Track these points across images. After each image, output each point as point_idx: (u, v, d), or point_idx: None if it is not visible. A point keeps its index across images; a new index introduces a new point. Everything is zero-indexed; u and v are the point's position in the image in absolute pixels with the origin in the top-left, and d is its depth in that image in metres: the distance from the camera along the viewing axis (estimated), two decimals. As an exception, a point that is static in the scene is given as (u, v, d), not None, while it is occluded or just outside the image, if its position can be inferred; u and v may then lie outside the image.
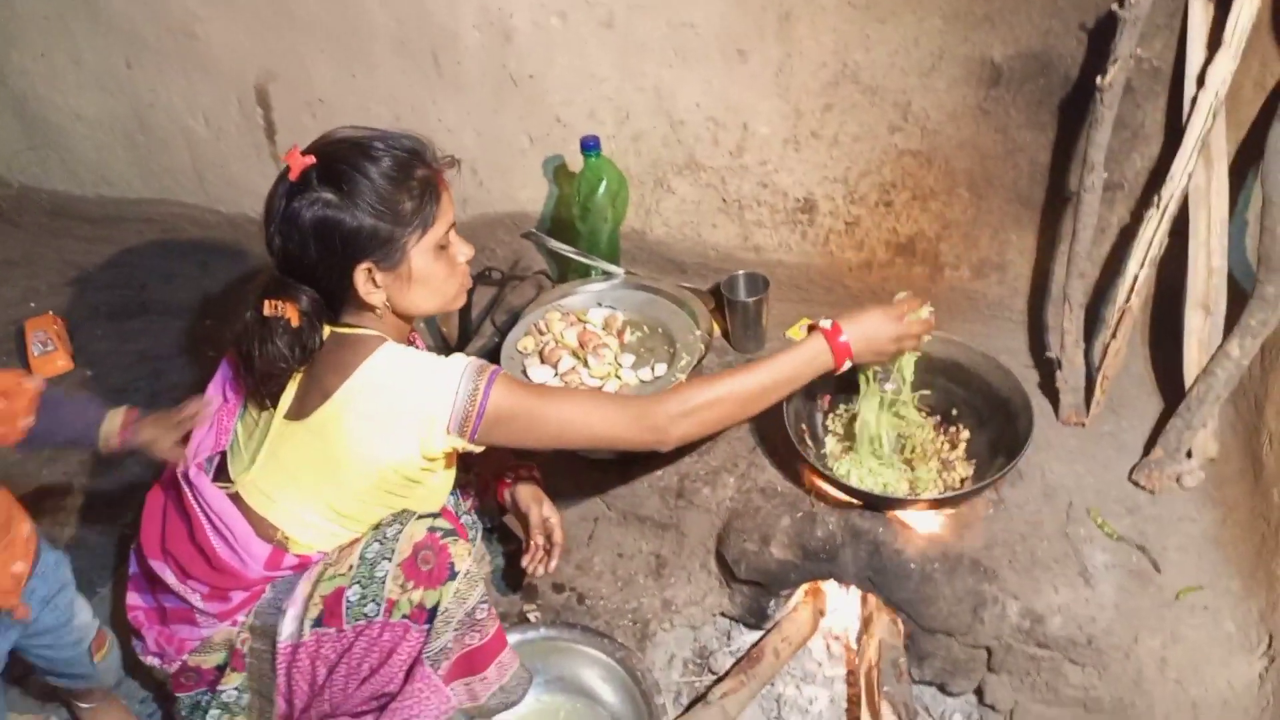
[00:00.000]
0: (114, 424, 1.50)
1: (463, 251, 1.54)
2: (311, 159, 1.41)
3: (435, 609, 1.46)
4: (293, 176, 1.41)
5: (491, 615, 1.53)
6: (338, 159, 1.42)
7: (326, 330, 1.49)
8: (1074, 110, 1.97)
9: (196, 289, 2.83)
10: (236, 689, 1.54)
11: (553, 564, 1.73)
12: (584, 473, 2.09)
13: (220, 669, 1.55)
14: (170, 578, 1.56)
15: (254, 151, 2.70)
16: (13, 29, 2.78)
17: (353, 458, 1.45)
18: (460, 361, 1.46)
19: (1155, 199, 1.83)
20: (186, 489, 1.54)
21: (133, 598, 1.63)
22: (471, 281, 1.60)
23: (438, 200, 1.47)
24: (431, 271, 1.49)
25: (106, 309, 2.77)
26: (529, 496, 1.77)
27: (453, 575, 1.46)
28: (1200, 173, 1.83)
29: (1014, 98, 2.01)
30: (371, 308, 1.48)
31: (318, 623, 1.47)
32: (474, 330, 2.36)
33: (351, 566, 1.47)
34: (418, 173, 1.45)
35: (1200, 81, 1.78)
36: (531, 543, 1.74)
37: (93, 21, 2.67)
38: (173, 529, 1.58)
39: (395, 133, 1.48)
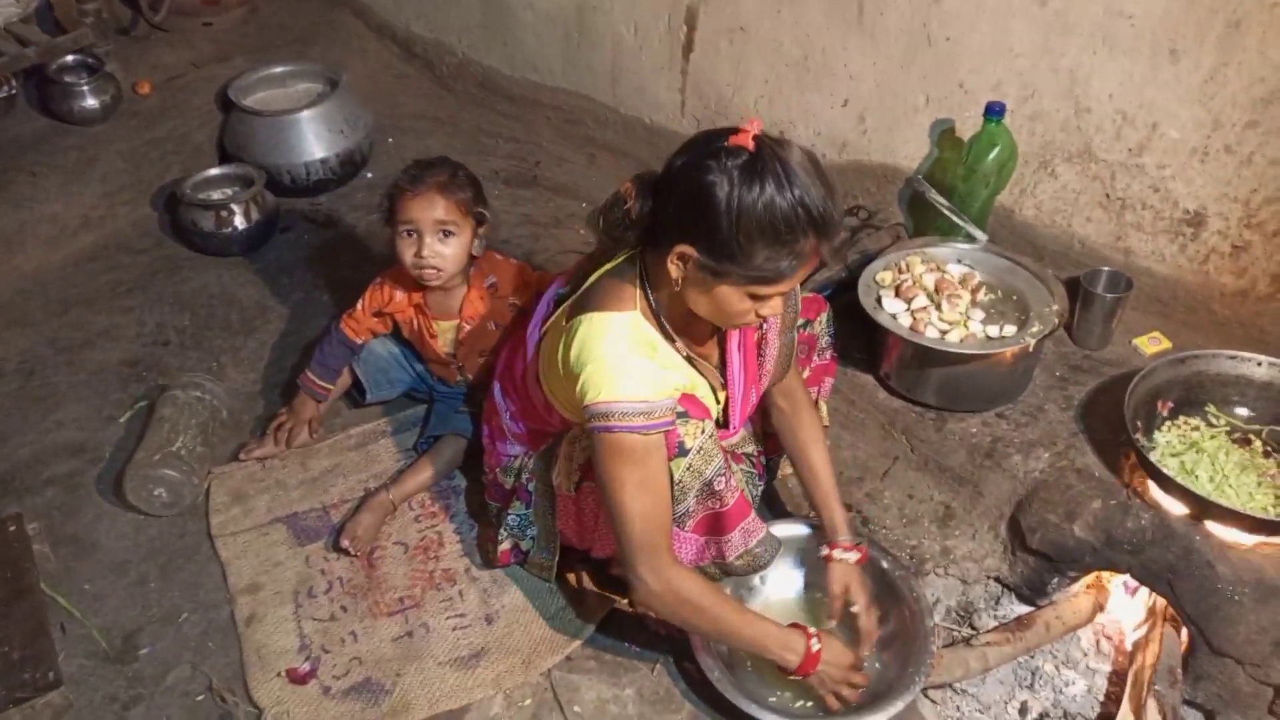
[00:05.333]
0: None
1: (771, 308, 1.51)
2: (751, 148, 1.40)
3: (672, 479, 1.56)
4: (730, 141, 1.40)
5: (730, 487, 1.60)
6: (762, 169, 1.38)
7: (627, 255, 1.59)
8: None
9: (582, 176, 3.20)
10: (519, 516, 1.83)
11: (863, 651, 1.75)
12: (897, 412, 2.20)
13: (511, 492, 1.83)
14: (498, 388, 1.87)
15: (667, 65, 2.97)
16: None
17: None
18: (609, 391, 1.49)
19: None
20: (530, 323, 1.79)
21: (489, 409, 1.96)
22: (758, 323, 1.60)
23: (793, 272, 1.44)
24: (728, 301, 1.49)
25: (505, 175, 3.20)
26: (839, 575, 1.81)
27: (683, 451, 1.54)
28: None
29: None
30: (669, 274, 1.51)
31: (577, 485, 1.71)
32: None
33: None
34: (800, 243, 1.41)
35: None
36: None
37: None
38: (510, 355, 1.90)
39: (822, 194, 1.41)
